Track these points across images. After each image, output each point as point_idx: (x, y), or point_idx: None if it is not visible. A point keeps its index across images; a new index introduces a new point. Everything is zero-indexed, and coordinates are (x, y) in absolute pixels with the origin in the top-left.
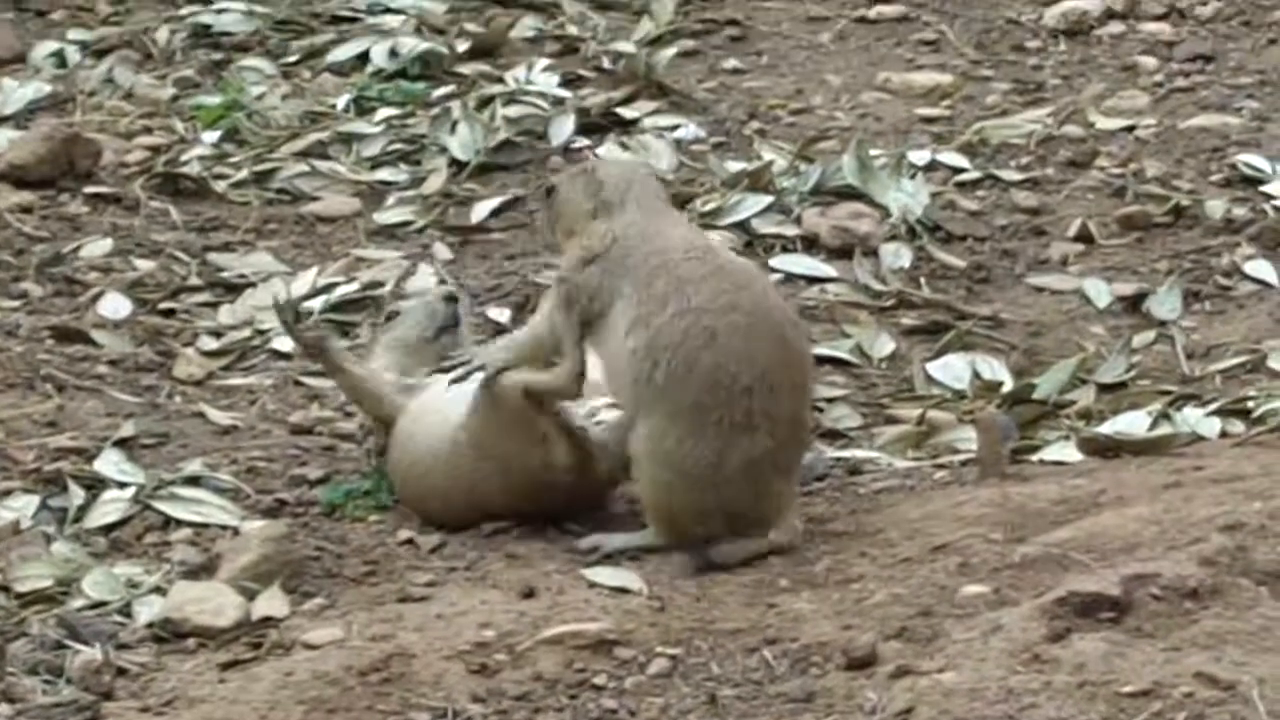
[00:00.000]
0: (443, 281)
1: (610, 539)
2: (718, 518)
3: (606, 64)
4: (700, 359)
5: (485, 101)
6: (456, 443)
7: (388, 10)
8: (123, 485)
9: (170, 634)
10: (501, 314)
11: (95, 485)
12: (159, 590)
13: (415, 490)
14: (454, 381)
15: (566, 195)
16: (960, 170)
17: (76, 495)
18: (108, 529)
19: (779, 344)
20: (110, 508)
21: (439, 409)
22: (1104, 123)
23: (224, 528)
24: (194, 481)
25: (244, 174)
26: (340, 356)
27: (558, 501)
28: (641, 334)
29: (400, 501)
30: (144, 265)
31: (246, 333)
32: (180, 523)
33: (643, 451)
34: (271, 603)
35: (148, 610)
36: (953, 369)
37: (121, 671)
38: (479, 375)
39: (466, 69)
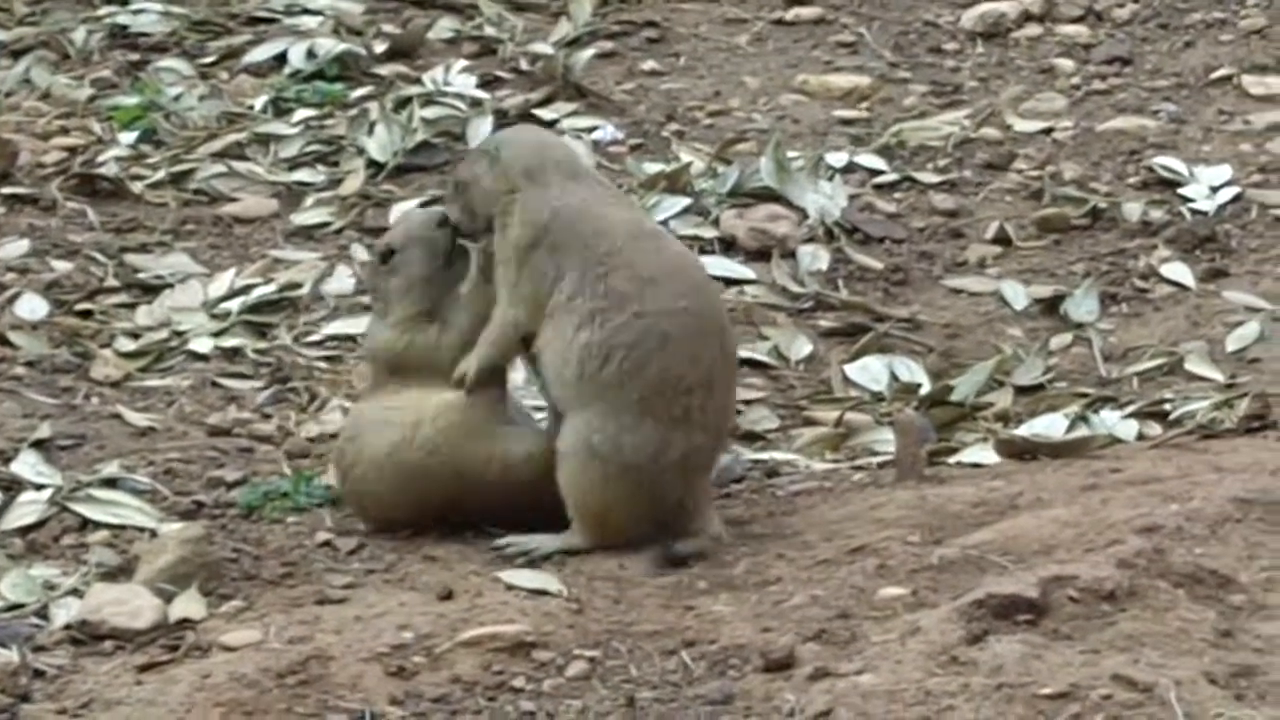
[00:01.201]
0: (426, 204)
1: (531, 540)
2: (648, 515)
3: (524, 65)
4: (652, 360)
5: (403, 103)
6: (417, 445)
7: (305, 11)
8: (40, 487)
9: (87, 636)
10: None
11: (12, 487)
12: (76, 592)
13: (361, 486)
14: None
15: (477, 179)
16: (878, 172)
17: None
18: (24, 531)
19: (720, 343)
20: (27, 509)
21: (398, 409)
22: (1021, 125)
23: (141, 530)
24: (111, 483)
25: (161, 175)
26: None
27: (513, 503)
28: (596, 331)
29: (344, 499)
30: (61, 266)
31: (164, 334)
32: (98, 524)
33: (574, 446)
34: (189, 605)
35: (65, 612)
36: (870, 371)
37: (39, 674)
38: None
39: (384, 70)
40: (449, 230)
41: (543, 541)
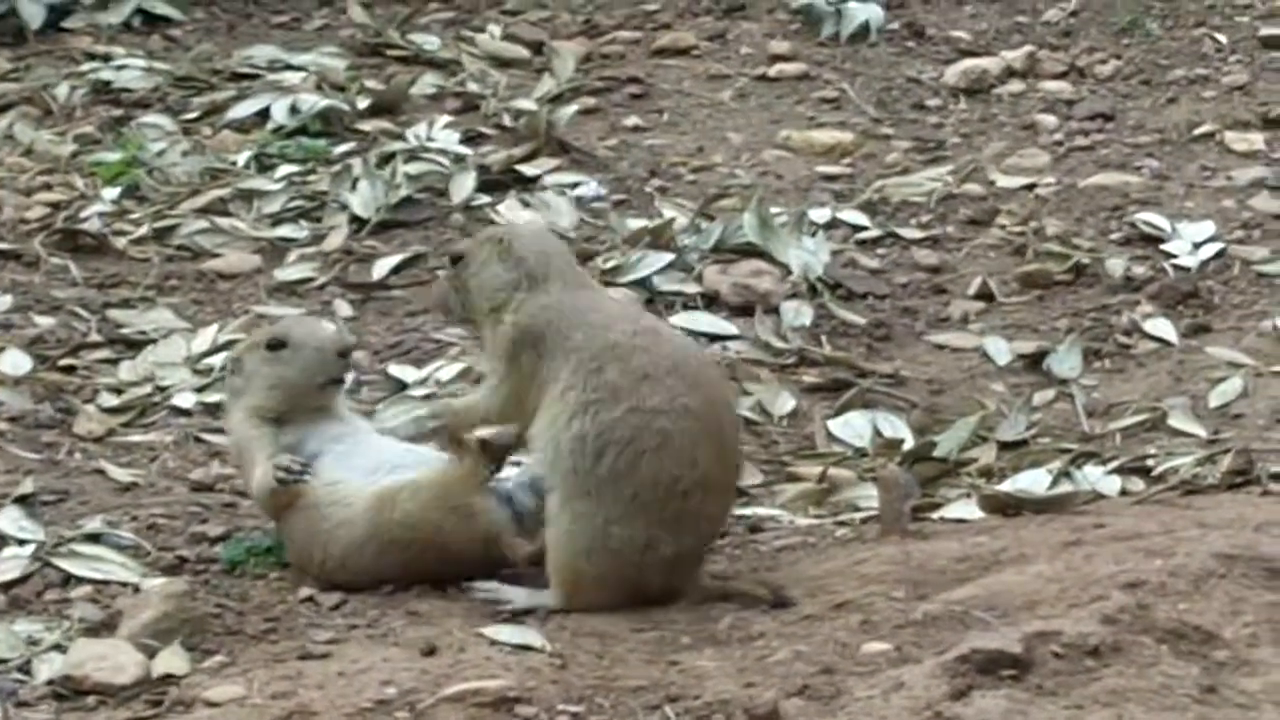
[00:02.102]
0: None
1: (506, 591)
2: (626, 600)
3: (507, 121)
4: (646, 459)
5: (386, 158)
6: (386, 523)
7: (288, 67)
8: (22, 542)
9: (71, 691)
10: (402, 371)
11: None
12: (59, 647)
13: (339, 577)
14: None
15: (481, 266)
16: (861, 228)
17: None
18: (7, 586)
19: (720, 444)
20: (10, 564)
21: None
22: (1004, 181)
23: (124, 585)
24: (94, 539)
25: (144, 230)
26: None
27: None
28: (588, 423)
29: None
30: (44, 322)
31: (147, 389)
32: (80, 580)
33: (566, 518)
34: (172, 660)
35: (48, 667)
36: (854, 426)
37: None
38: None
39: (367, 126)
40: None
41: (517, 595)
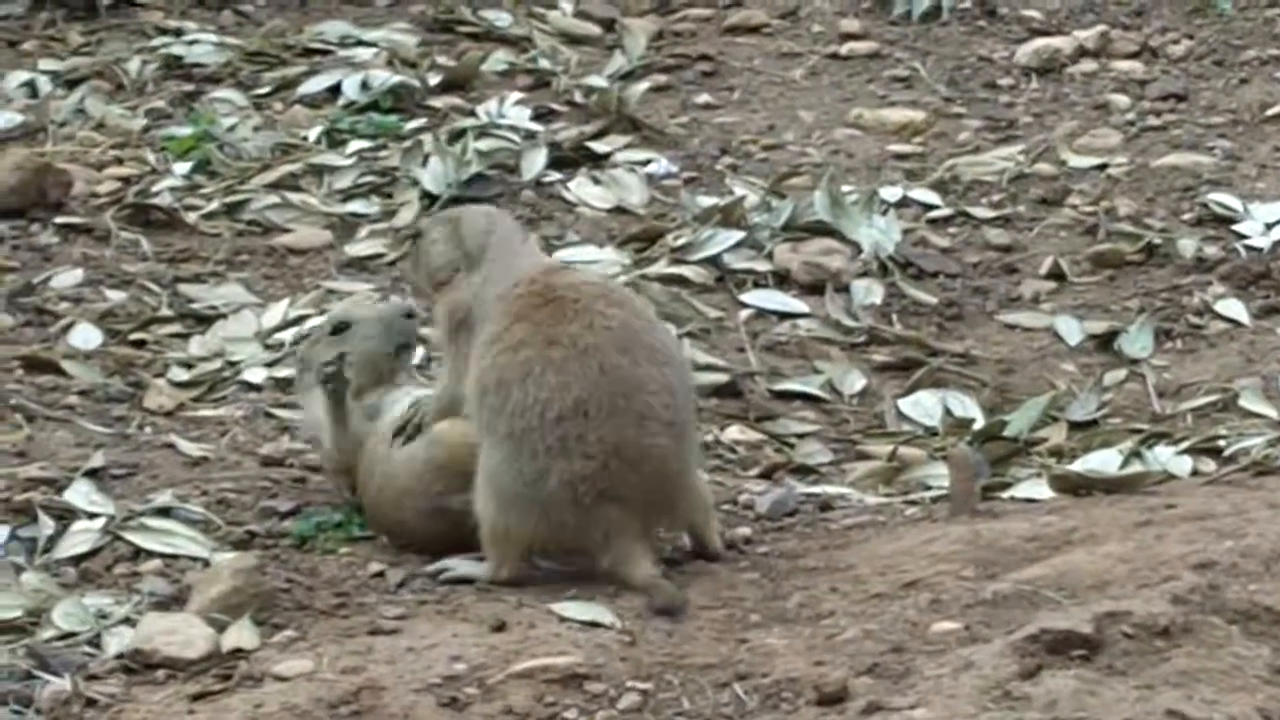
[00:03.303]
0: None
1: (457, 564)
2: (547, 541)
3: (578, 98)
4: (514, 393)
5: (457, 135)
6: (430, 459)
7: (360, 43)
8: (92, 516)
9: (140, 665)
10: None
11: (65, 516)
12: (129, 621)
13: (390, 511)
14: (406, 442)
15: (431, 245)
16: (932, 207)
17: (46, 525)
18: (77, 559)
19: (600, 373)
20: (80, 538)
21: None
22: (1076, 161)
23: (194, 559)
24: (164, 513)
25: (215, 205)
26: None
27: None
28: (474, 371)
29: (373, 527)
30: (115, 296)
31: (217, 364)
32: (150, 554)
33: (479, 477)
34: (241, 635)
35: (117, 641)
36: (924, 405)
37: (91, 703)
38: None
39: (438, 102)
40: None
41: (458, 564)
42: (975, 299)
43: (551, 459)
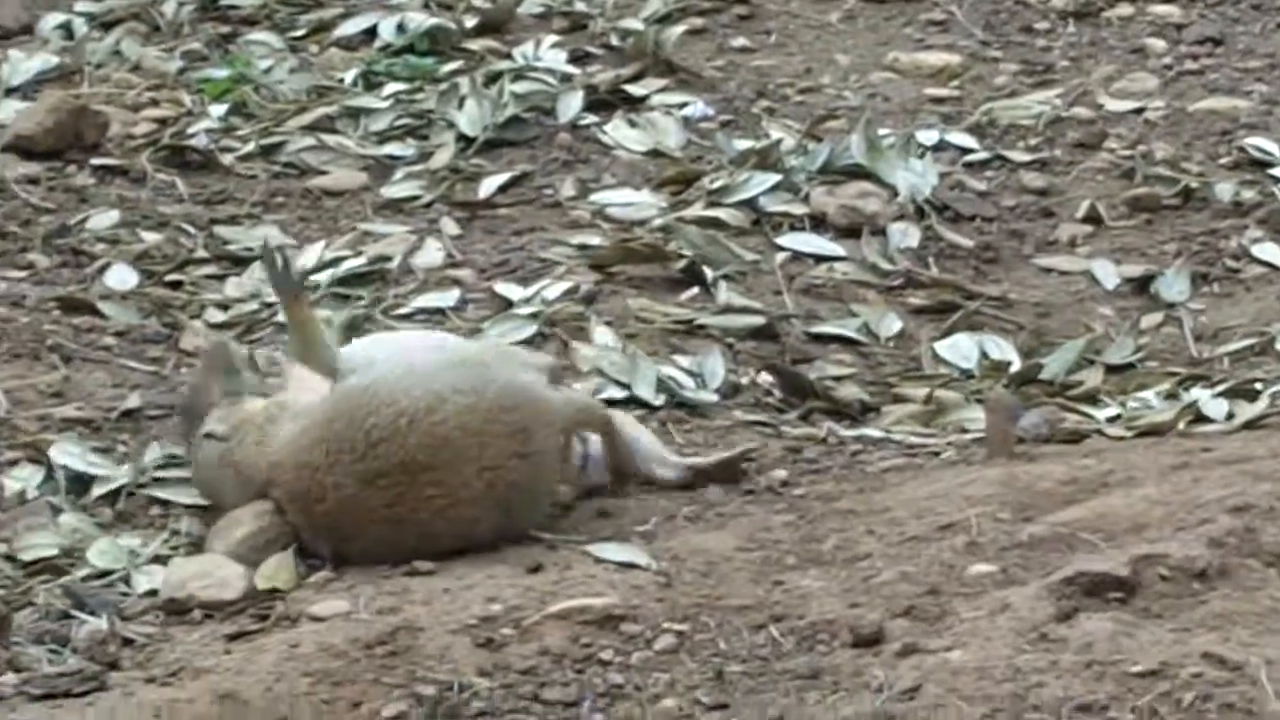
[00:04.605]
0: None
1: None
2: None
3: (614, 41)
4: None
5: (493, 77)
6: None
7: None
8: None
9: (175, 606)
10: (508, 289)
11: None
12: (161, 560)
13: None
14: None
15: None
16: (969, 151)
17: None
18: (112, 499)
19: None
20: (114, 479)
21: None
22: (1113, 105)
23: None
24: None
25: (251, 147)
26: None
27: None
28: None
29: None
30: (151, 237)
31: (253, 306)
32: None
33: None
34: (277, 575)
35: (150, 580)
36: (960, 348)
37: (127, 642)
38: None
39: (475, 45)
40: None
41: None
42: (1012, 242)
43: None
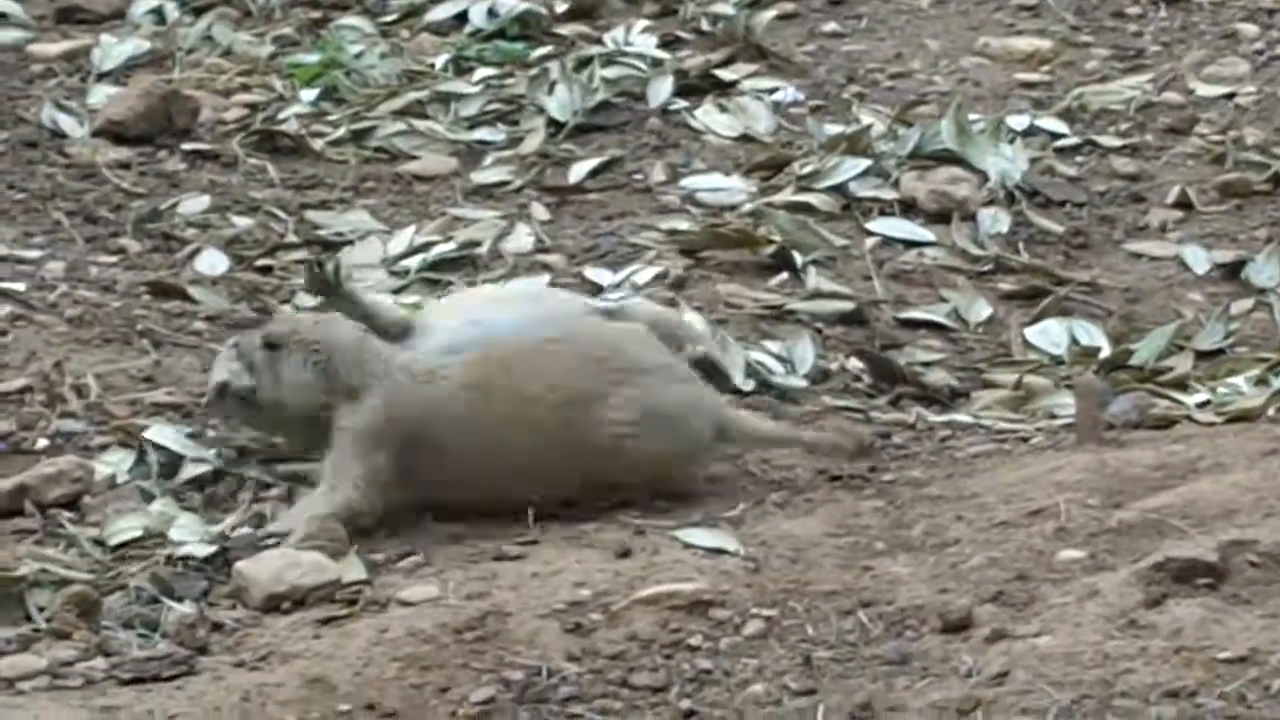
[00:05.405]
0: None
1: None
2: None
3: (705, 26)
4: None
5: (583, 62)
6: None
7: None
8: (215, 444)
9: (263, 592)
10: (598, 274)
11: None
12: (253, 546)
13: None
14: None
15: None
16: (1059, 136)
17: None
18: (201, 484)
19: None
20: (205, 463)
21: None
22: (1204, 89)
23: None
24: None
25: (342, 132)
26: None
27: None
28: None
29: None
30: (241, 222)
31: None
32: (270, 483)
33: None
34: (348, 569)
35: (241, 566)
36: (1050, 334)
37: (217, 627)
38: None
39: (565, 30)
40: None
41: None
42: (1102, 228)
43: None
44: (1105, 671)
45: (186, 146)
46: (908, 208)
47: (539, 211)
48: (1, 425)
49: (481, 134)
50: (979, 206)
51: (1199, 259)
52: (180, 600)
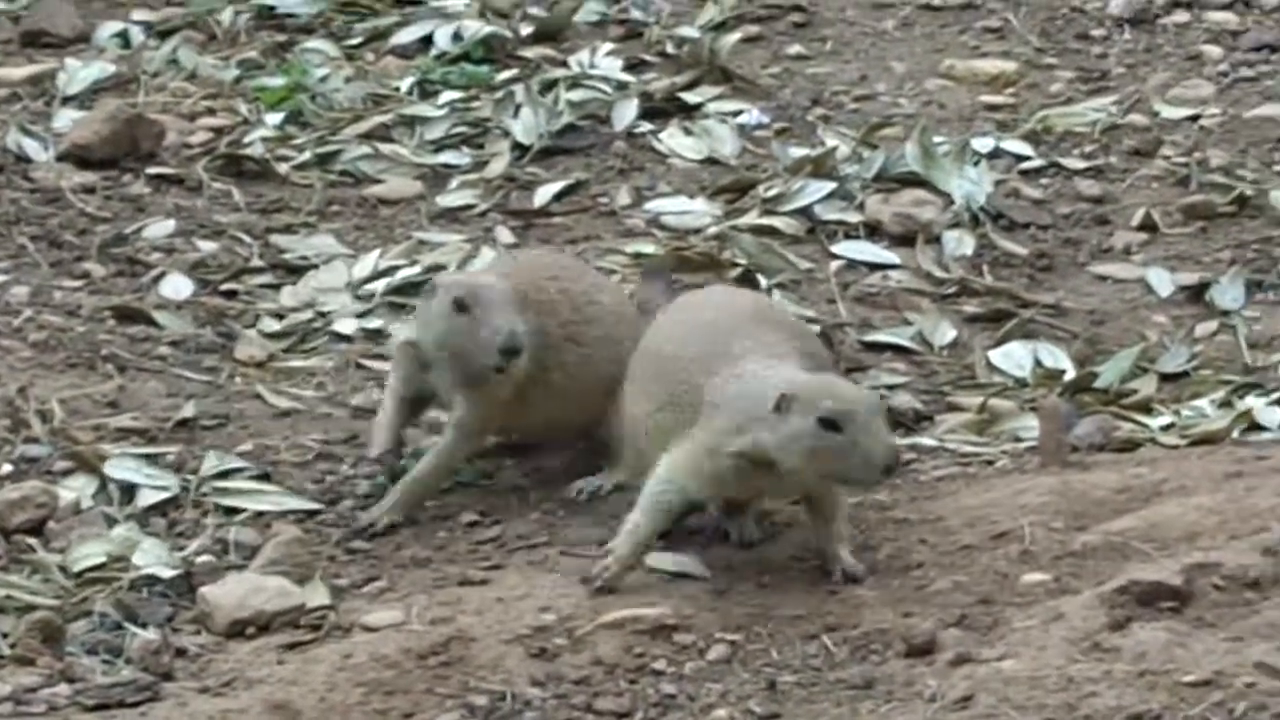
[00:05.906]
0: None
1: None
2: None
3: (670, 49)
4: None
5: (548, 85)
6: None
7: None
8: (178, 470)
9: (227, 617)
10: None
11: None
12: (215, 572)
13: None
14: None
15: None
16: (1024, 158)
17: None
18: (163, 509)
19: None
20: (167, 488)
21: None
22: (1168, 112)
23: (285, 513)
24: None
25: (307, 156)
26: None
27: None
28: None
29: None
30: (206, 246)
31: (308, 315)
32: (234, 509)
33: None
34: (313, 594)
35: (204, 591)
36: (1014, 357)
37: (181, 652)
38: None
39: (530, 53)
40: None
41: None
42: (1066, 250)
43: None
44: (1069, 695)
45: (151, 170)
46: (872, 230)
47: (504, 235)
48: None
49: (446, 157)
50: (944, 229)
51: (1163, 281)
52: (144, 626)
